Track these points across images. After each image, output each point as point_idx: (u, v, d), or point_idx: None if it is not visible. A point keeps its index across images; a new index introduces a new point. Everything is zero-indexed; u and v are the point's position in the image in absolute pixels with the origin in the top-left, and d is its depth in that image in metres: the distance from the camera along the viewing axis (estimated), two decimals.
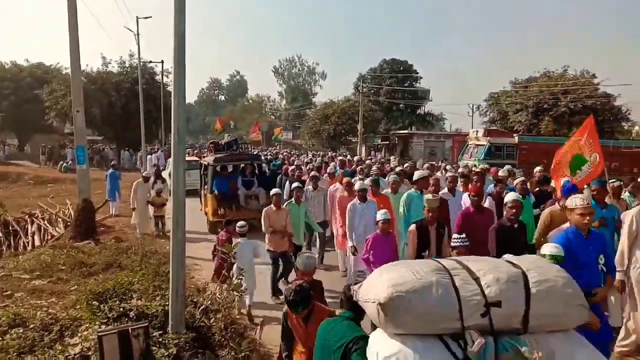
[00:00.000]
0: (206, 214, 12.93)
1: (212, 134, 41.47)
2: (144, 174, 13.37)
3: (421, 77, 53.01)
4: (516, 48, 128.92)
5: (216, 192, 12.24)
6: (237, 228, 7.21)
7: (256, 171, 13.30)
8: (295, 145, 54.91)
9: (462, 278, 2.60)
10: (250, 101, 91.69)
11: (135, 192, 12.23)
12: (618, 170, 20.43)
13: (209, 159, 13.12)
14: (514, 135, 25.30)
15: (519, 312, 2.52)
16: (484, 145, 23.01)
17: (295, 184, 9.04)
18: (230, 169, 13.34)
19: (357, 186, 7.84)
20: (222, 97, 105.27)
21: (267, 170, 14.70)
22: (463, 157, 24.38)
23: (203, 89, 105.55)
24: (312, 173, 10.67)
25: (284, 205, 8.38)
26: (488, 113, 41.88)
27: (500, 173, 10.27)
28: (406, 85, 50.51)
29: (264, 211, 8.03)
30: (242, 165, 13.50)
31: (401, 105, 50.21)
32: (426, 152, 36.72)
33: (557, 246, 4.16)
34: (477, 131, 25.45)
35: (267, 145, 45.63)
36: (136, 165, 31.27)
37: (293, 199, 8.53)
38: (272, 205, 8.00)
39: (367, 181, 8.52)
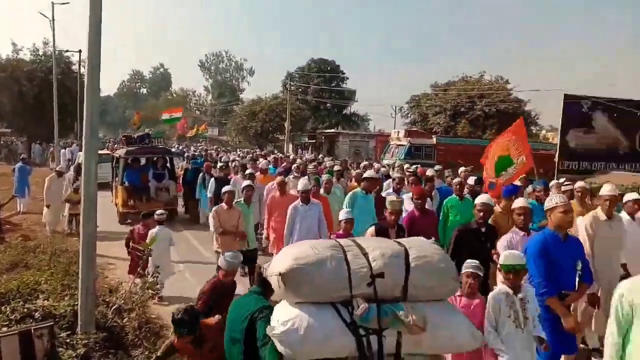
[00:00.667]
0: (116, 205, 13.03)
1: (132, 127, 39.83)
2: (57, 169, 12.62)
3: (347, 78, 54.07)
4: (437, 52, 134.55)
5: (127, 183, 12.49)
6: (155, 216, 7.43)
7: (167, 165, 13.73)
8: (222, 141, 53.98)
9: (353, 253, 2.95)
10: (174, 95, 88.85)
11: (49, 188, 11.40)
12: None
13: (120, 151, 13.45)
14: (433, 136, 26.50)
15: (399, 283, 2.89)
16: (404, 145, 23.92)
17: (246, 182, 8.31)
18: (142, 162, 13.66)
19: (300, 186, 7.17)
20: (144, 90, 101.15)
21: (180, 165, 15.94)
22: (385, 156, 25.21)
23: (124, 81, 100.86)
24: (248, 170, 10.32)
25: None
26: (409, 115, 43.64)
27: (428, 172, 10.16)
28: (333, 85, 51.28)
29: (213, 210, 7.50)
30: (154, 158, 13.79)
31: (328, 105, 50.90)
32: (351, 151, 37.54)
33: (516, 254, 3.94)
34: (398, 132, 26.46)
35: (191, 141, 44.51)
36: (47, 160, 29.21)
37: (242, 199, 7.82)
38: (223, 204, 7.40)
39: (303, 181, 7.55)
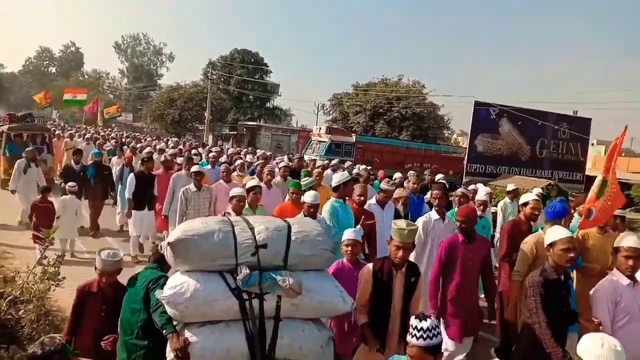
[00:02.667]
0: None
1: (38, 108, 36.82)
2: None
3: (271, 71, 53.78)
4: (360, 52, 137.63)
5: (8, 154, 13.79)
6: (67, 187, 8.54)
7: (46, 140, 15.76)
8: (136, 128, 51.61)
9: (240, 227, 3.32)
10: (86, 76, 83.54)
11: None
12: (437, 171, 23.23)
13: (4, 127, 15.28)
14: (353, 135, 27.11)
15: (280, 253, 3.28)
16: (325, 142, 24.26)
17: (252, 182, 6.41)
18: (24, 137, 15.31)
19: (309, 199, 5.42)
20: (53, 70, 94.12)
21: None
22: (307, 151, 25.42)
23: (30, 57, 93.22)
24: (195, 167, 7.76)
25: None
26: (331, 112, 44.32)
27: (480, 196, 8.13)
28: (257, 77, 50.79)
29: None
30: (33, 134, 15.85)
31: (251, 97, 50.40)
32: (273, 145, 37.47)
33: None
34: (320, 128, 26.77)
35: (103, 126, 42.11)
36: None
37: (247, 203, 6.09)
38: (229, 212, 5.84)
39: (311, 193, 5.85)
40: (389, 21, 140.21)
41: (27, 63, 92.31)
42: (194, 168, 7.62)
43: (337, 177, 6.05)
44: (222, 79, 48.96)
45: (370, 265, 4.00)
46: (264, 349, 3.11)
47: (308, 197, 5.48)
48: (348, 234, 4.35)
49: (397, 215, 6.56)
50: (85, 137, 17.68)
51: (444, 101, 50.39)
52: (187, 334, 3.05)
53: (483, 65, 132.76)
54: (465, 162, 22.25)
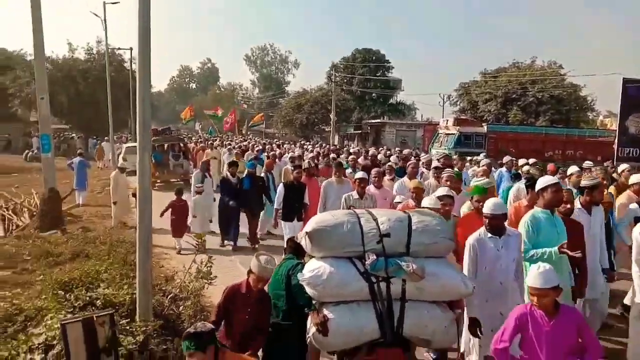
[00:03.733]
0: None
1: (182, 122, 40.71)
2: (119, 165, 12.96)
3: (393, 67, 53.15)
4: (487, 38, 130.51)
5: (153, 161, 15.63)
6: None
7: (182, 148, 19.44)
8: (268, 134, 54.58)
9: (365, 219, 3.77)
10: (222, 89, 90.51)
11: (115, 184, 11.43)
12: (583, 158, 21.13)
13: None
14: (483, 124, 25.76)
15: (403, 241, 3.68)
16: (454, 134, 23.37)
17: (442, 191, 5.41)
18: (165, 147, 19.17)
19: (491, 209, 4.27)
20: (193, 85, 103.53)
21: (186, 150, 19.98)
22: (434, 145, 24.74)
23: (173, 76, 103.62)
24: (360, 174, 6.99)
25: None
26: (458, 103, 42.52)
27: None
28: (378, 74, 50.63)
29: None
30: (172, 144, 19.69)
31: (373, 95, 50.39)
32: (398, 141, 37.10)
33: None
34: (447, 120, 25.83)
35: (239, 135, 45.15)
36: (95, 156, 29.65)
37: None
38: None
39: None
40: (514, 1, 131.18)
41: (171, 82, 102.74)
42: (359, 174, 6.91)
43: (543, 180, 4.74)
44: (345, 80, 49.68)
45: None
46: (393, 327, 3.53)
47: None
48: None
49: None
50: (228, 147, 19.40)
51: (585, 81, 45.30)
52: (325, 311, 3.55)
53: (628, 38, 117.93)
54: (615, 146, 19.89)
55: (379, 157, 13.24)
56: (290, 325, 4.01)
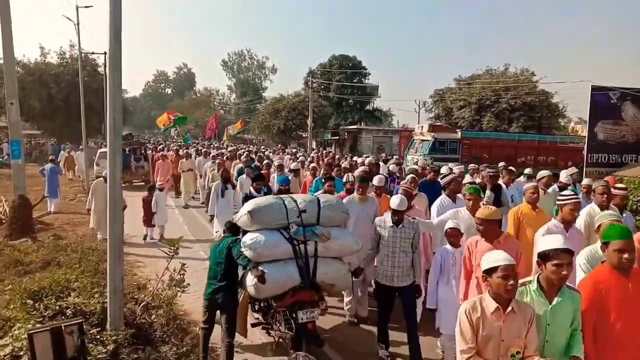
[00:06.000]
0: None
1: (158, 129, 40.01)
2: (103, 174, 12.46)
3: (370, 74, 53.62)
4: (461, 45, 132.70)
5: None
6: (157, 185, 11.45)
7: (143, 152, 21.51)
8: (246, 140, 54.32)
9: (288, 201, 5.30)
10: (198, 95, 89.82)
11: (94, 192, 10.45)
12: (554, 164, 21.62)
13: None
14: (457, 131, 26.12)
15: (315, 215, 5.24)
16: (428, 140, 23.62)
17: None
18: (126, 150, 20.24)
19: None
20: (169, 91, 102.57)
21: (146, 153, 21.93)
22: (409, 151, 24.96)
23: (149, 81, 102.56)
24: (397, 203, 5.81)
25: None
26: (433, 109, 43.02)
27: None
28: (355, 81, 51.02)
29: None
30: (134, 147, 21.62)
31: (350, 101, 50.70)
32: (375, 147, 37.33)
33: None
34: (422, 127, 26.08)
35: (218, 141, 44.75)
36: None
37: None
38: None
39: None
40: (490, 7, 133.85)
41: (147, 87, 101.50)
42: (397, 204, 5.26)
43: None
44: (322, 86, 49.84)
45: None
46: (309, 275, 5.04)
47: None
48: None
49: None
50: (208, 154, 18.97)
51: (557, 88, 46.25)
52: (261, 267, 4.80)
53: (597, 46, 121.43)
54: (585, 152, 20.41)
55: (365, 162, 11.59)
56: (225, 284, 5.01)
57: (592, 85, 20.11)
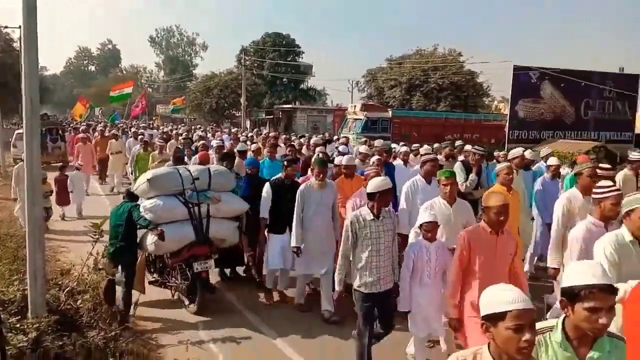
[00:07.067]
0: None
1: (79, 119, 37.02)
2: (13, 155, 11.79)
3: (303, 52, 53.36)
4: (395, 25, 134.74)
5: None
6: (77, 165, 12.44)
7: (60, 132, 20.87)
8: (175, 119, 52.66)
9: (182, 170, 6.13)
10: (124, 72, 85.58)
11: (17, 178, 9.20)
12: (479, 141, 22.73)
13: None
14: (389, 110, 26.75)
15: (206, 181, 6.06)
16: (361, 119, 24.05)
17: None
18: (43, 130, 18.35)
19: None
20: (93, 68, 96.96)
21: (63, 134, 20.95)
22: (343, 130, 25.30)
23: (70, 58, 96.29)
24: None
25: None
26: (366, 89, 43.73)
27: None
28: (289, 59, 50.60)
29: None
30: (50, 128, 20.54)
31: (284, 80, 50.30)
32: (309, 126, 37.43)
33: None
34: (355, 106, 26.50)
35: (149, 120, 42.94)
36: None
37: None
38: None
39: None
40: None
41: (68, 64, 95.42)
42: (380, 185, 4.32)
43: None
44: (256, 65, 49.05)
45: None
46: (203, 233, 5.89)
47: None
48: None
49: None
50: (137, 134, 15.81)
51: (482, 68, 48.02)
52: (161, 228, 5.45)
53: (521, 28, 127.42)
54: (506, 129, 21.59)
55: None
56: (124, 244, 5.54)
57: (514, 65, 21.22)
